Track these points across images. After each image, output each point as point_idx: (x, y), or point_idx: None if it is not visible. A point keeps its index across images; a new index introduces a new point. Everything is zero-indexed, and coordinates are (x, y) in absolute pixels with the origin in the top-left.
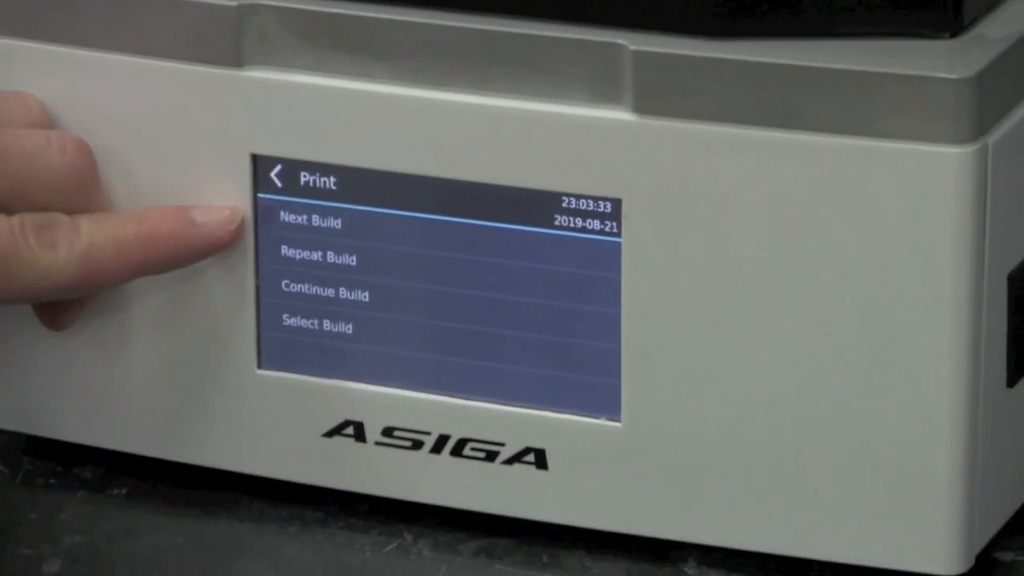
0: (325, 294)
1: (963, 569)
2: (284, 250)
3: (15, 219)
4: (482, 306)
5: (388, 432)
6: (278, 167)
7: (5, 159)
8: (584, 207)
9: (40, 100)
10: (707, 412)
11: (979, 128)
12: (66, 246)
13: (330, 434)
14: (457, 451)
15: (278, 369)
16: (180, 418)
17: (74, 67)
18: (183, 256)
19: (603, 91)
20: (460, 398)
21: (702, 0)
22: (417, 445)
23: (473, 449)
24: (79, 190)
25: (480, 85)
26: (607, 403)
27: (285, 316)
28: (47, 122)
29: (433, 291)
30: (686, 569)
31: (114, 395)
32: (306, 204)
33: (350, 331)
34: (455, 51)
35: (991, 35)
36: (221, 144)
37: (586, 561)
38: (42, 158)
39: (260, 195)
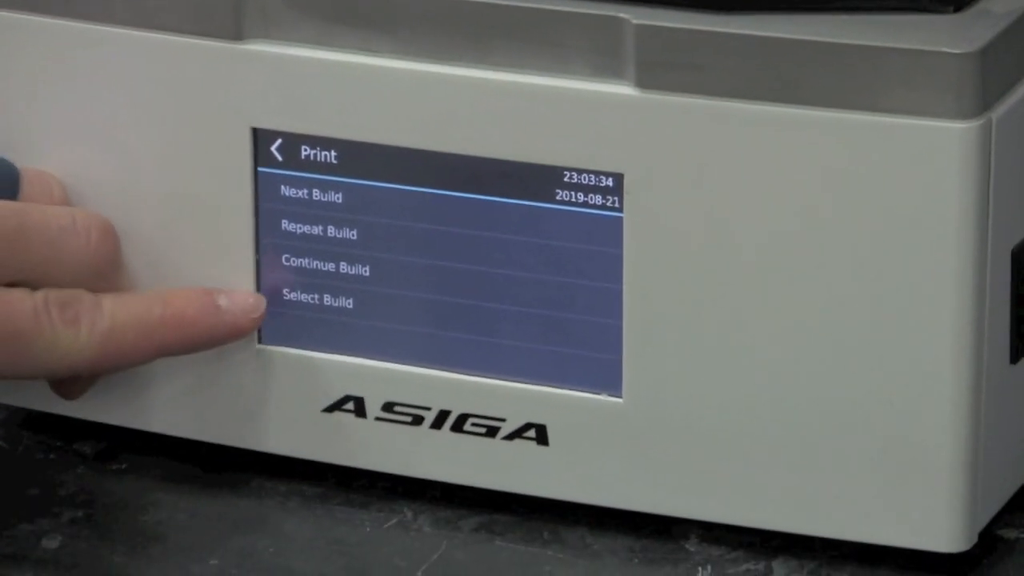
0: (325, 269)
1: (966, 547)
2: (284, 224)
3: (39, 295)
4: (483, 281)
5: (388, 407)
6: (278, 141)
7: (30, 238)
8: (586, 182)
9: (61, 183)
10: (709, 388)
11: (983, 103)
12: (88, 325)
13: (330, 409)
14: (458, 427)
15: (278, 344)
16: (180, 393)
17: (72, 40)
18: (205, 341)
19: (606, 65)
20: (461, 373)
21: None
22: (417, 420)
23: (474, 425)
24: (100, 274)
25: (482, 59)
26: (608, 379)
27: (285, 291)
28: (68, 204)
29: (434, 266)
30: (688, 546)
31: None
32: (306, 178)
33: (351, 306)
34: (457, 24)
35: (995, 9)
36: (221, 118)
37: (587, 538)
38: (67, 241)
39: (260, 169)
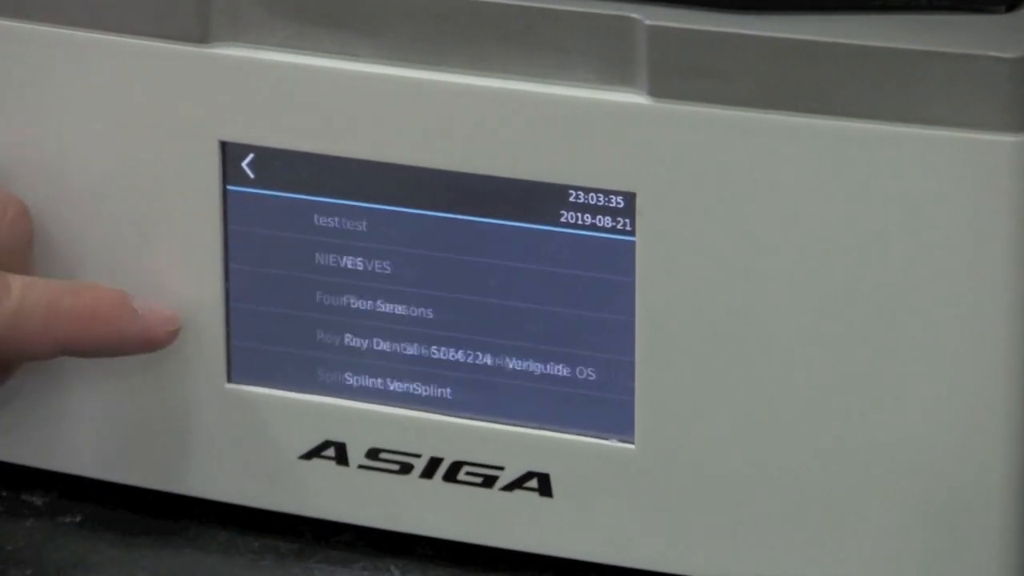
0: (303, 298)
1: None
2: (256, 248)
3: None
4: (479, 312)
5: (373, 454)
6: (250, 156)
7: None
8: (594, 202)
9: None
10: (731, 433)
11: None
12: None
13: (308, 456)
14: (451, 476)
15: (250, 383)
16: (140, 438)
17: (21, 42)
18: (113, 344)
19: (615, 71)
20: (454, 416)
21: None
22: (406, 469)
23: (468, 473)
24: (11, 255)
25: (478, 64)
26: (619, 422)
27: (258, 323)
28: None
29: (425, 295)
30: None
31: (67, 413)
32: (281, 197)
33: (331, 341)
34: (450, 26)
35: None
36: (186, 130)
37: None
38: None
39: (230, 187)
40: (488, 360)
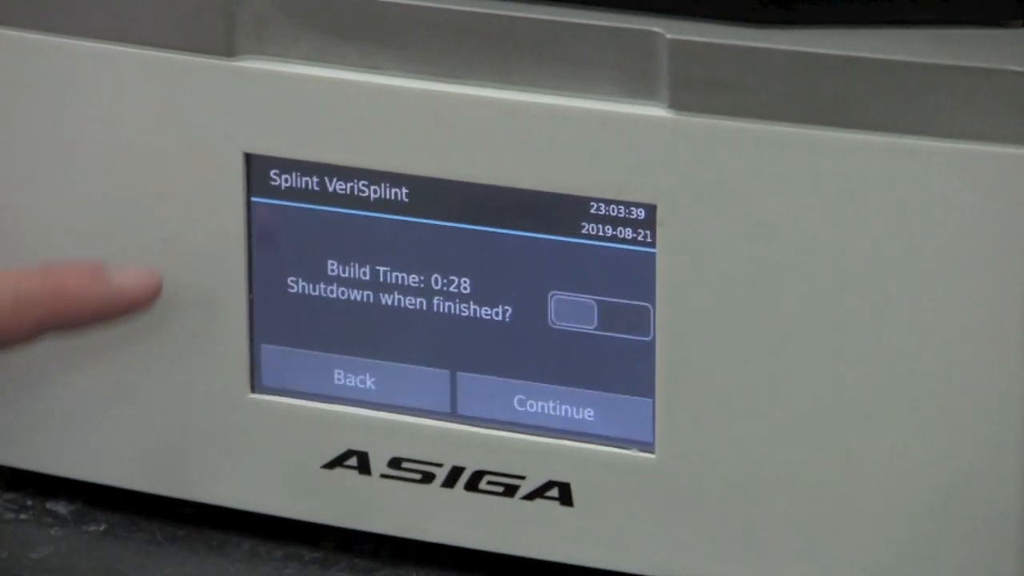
0: (326, 309)
1: None
2: (280, 259)
3: None
4: (501, 322)
5: (395, 463)
6: (274, 168)
7: None
8: (615, 213)
9: None
10: (751, 443)
11: None
12: None
13: (331, 465)
14: (472, 485)
15: (273, 393)
16: (164, 447)
17: (45, 56)
18: (92, 314)
19: (636, 84)
20: (476, 426)
21: None
22: (428, 478)
23: (490, 483)
24: None
25: (500, 77)
26: (639, 432)
27: (281, 333)
28: None
29: (447, 306)
30: None
31: (91, 422)
32: (305, 209)
33: (354, 351)
34: (472, 39)
35: None
36: (211, 142)
37: None
38: None
39: (254, 199)
40: (510, 370)
